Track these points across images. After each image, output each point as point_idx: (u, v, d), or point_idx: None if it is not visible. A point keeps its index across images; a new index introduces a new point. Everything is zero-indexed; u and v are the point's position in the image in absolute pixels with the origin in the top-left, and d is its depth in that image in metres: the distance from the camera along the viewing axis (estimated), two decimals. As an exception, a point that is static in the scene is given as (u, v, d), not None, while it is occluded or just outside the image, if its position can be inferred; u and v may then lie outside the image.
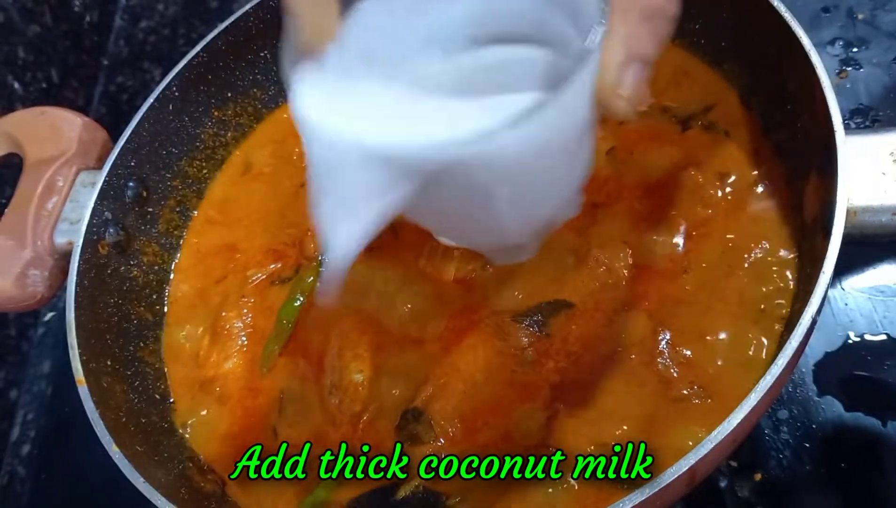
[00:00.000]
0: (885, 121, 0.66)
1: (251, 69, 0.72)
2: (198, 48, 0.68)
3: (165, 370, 0.63)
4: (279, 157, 0.71)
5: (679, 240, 0.54)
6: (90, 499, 0.73)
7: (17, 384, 0.83)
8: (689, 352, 0.50)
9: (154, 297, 0.66)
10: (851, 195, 0.45)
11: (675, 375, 0.49)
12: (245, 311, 0.62)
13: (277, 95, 0.74)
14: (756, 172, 0.55)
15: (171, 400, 0.61)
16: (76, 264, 0.59)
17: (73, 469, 0.75)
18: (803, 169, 0.51)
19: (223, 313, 0.62)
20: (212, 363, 0.61)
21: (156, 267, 0.66)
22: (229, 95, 0.72)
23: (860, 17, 0.72)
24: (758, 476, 0.56)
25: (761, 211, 0.53)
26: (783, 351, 0.41)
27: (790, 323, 0.47)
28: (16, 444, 0.79)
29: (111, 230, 0.63)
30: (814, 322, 0.42)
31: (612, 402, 0.49)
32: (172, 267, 0.68)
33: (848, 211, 0.44)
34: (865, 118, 0.67)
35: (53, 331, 0.86)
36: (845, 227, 0.43)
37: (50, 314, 0.88)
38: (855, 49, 0.71)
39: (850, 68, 0.70)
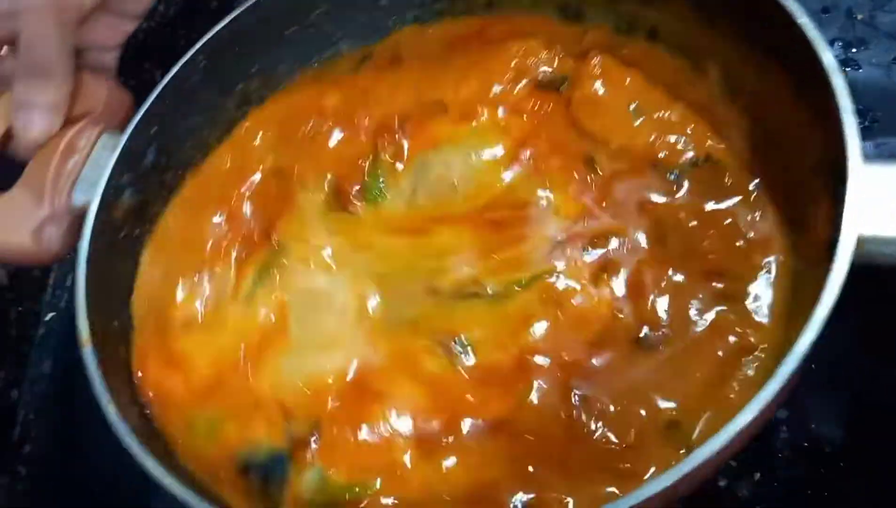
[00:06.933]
0: (884, 122, 0.66)
1: (277, 40, 0.70)
2: (227, 20, 0.68)
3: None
4: (281, 137, 0.68)
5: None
6: (90, 500, 0.73)
7: (18, 384, 0.83)
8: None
9: None
10: (860, 224, 0.41)
11: None
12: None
13: (296, 67, 0.72)
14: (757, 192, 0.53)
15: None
16: (91, 225, 0.58)
17: (73, 469, 0.75)
18: (809, 192, 0.48)
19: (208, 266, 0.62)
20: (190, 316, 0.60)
21: None
22: (254, 69, 0.70)
23: (859, 17, 0.72)
24: (758, 476, 0.56)
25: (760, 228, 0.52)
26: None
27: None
28: (16, 444, 0.79)
29: (128, 194, 0.62)
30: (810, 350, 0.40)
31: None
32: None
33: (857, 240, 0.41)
34: (864, 119, 0.67)
35: (54, 331, 0.86)
36: (851, 256, 0.40)
37: (51, 315, 0.87)
38: (854, 50, 0.71)
39: (849, 69, 0.70)
